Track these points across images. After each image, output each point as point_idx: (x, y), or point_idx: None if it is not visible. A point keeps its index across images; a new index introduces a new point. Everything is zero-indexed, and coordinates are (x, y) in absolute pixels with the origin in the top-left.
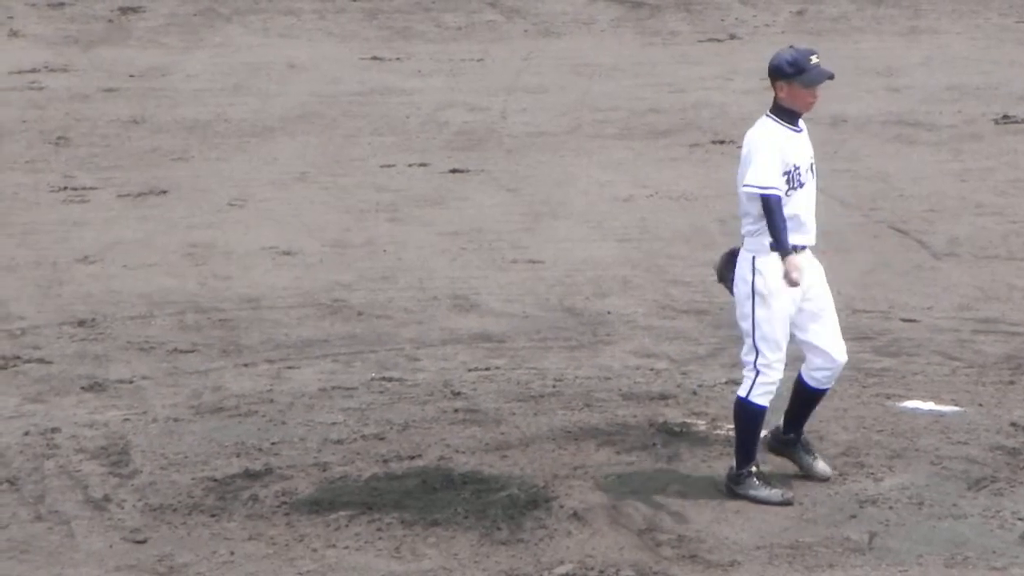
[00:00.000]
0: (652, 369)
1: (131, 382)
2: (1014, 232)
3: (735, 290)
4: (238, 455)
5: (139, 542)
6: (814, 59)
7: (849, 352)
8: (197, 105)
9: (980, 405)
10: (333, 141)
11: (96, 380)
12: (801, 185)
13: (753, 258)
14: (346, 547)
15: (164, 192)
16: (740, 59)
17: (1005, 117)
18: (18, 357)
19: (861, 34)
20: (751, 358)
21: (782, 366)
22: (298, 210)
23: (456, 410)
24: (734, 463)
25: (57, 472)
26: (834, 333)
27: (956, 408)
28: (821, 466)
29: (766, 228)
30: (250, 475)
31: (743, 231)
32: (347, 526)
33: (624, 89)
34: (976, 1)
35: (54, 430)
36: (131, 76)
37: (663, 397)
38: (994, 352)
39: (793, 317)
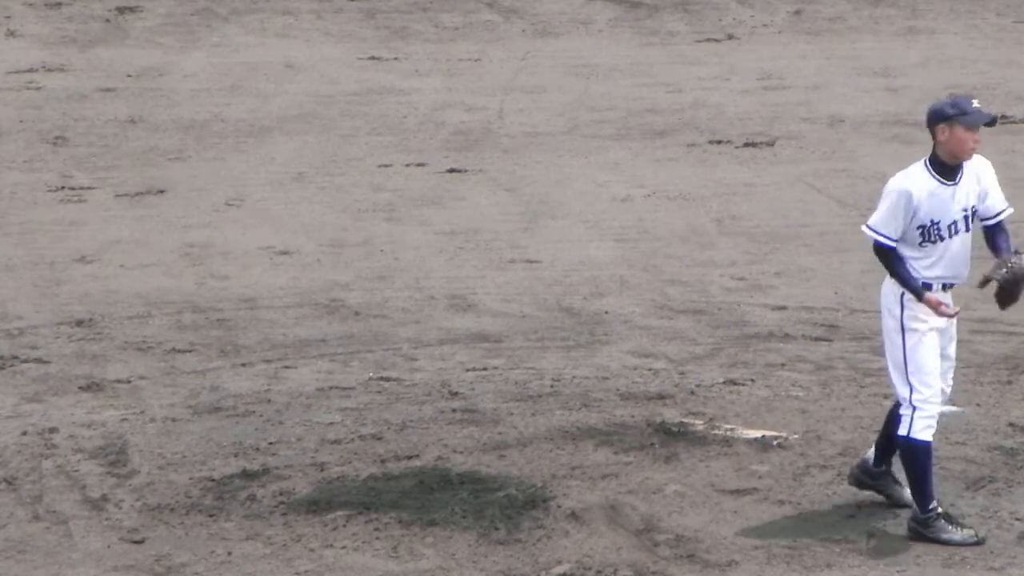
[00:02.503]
0: (650, 369)
1: (129, 382)
2: (1011, 232)
3: (883, 324)
4: (236, 455)
5: (137, 542)
6: (975, 103)
7: (847, 352)
8: (194, 105)
9: (978, 405)
10: (330, 141)
11: (94, 380)
12: (941, 239)
13: (902, 294)
14: (343, 547)
15: (161, 192)
16: (738, 59)
17: (1003, 117)
18: (16, 357)
19: (858, 34)
20: (906, 393)
21: (938, 400)
22: (295, 210)
23: (454, 410)
24: (915, 506)
25: (55, 472)
26: (948, 372)
27: (954, 408)
28: (908, 494)
29: (909, 265)
30: (248, 475)
31: None
32: (344, 526)
33: (621, 89)
34: (973, 1)
35: (52, 430)
36: (128, 76)
37: (661, 397)
38: (992, 352)
39: None
